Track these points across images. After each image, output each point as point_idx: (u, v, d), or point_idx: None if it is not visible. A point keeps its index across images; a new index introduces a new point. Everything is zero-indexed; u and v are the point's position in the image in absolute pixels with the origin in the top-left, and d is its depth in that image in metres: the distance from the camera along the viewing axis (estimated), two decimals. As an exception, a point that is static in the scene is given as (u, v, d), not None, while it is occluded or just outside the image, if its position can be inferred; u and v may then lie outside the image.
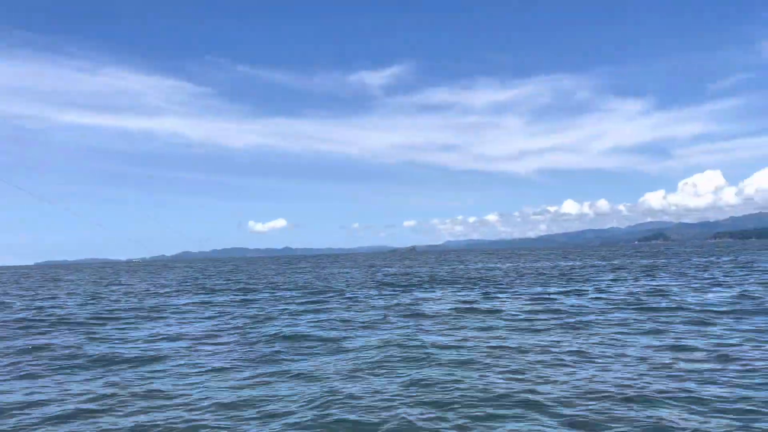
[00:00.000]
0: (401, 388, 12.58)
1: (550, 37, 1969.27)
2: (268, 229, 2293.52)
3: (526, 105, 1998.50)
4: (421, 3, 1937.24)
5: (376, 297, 35.13)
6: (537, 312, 24.90)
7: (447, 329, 20.75)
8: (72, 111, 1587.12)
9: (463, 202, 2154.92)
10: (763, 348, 15.56)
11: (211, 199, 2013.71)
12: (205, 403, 11.99)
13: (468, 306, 27.88)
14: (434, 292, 37.96)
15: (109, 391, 13.23)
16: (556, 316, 23.41)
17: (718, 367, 13.57)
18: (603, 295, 31.04)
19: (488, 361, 14.98)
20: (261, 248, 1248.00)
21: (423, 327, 21.40)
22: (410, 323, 22.51)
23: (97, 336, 21.76)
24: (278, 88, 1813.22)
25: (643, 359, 14.61)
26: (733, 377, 12.60)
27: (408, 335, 19.22)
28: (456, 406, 11.21)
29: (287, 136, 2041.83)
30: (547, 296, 31.94)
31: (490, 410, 10.88)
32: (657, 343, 16.62)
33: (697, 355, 15.03)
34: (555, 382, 12.72)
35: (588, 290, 34.70)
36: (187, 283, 60.05)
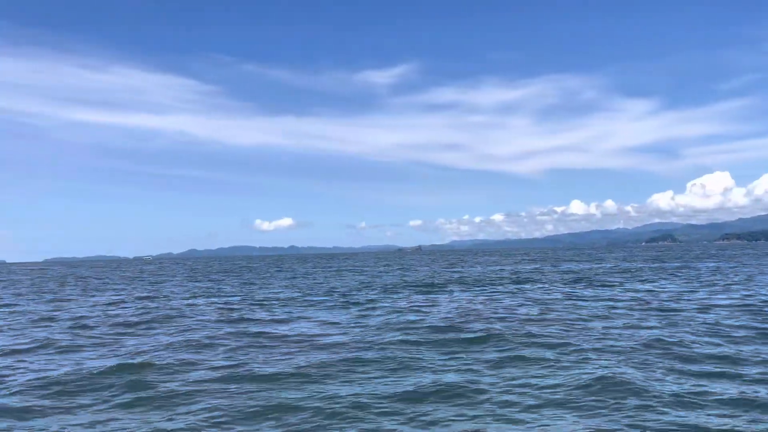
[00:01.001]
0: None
1: (556, 36, 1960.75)
2: (274, 227, 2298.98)
3: (532, 104, 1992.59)
4: (427, 2, 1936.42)
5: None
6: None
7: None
8: (79, 109, 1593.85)
9: (469, 202, 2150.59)
10: None
11: (218, 197, 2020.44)
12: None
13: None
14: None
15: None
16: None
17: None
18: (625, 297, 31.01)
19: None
20: (267, 246, 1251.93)
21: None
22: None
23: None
24: (285, 87, 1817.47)
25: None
26: None
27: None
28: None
29: (293, 134, 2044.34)
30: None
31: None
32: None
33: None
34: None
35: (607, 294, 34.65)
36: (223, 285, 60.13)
